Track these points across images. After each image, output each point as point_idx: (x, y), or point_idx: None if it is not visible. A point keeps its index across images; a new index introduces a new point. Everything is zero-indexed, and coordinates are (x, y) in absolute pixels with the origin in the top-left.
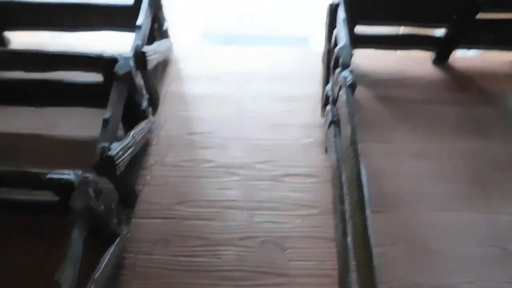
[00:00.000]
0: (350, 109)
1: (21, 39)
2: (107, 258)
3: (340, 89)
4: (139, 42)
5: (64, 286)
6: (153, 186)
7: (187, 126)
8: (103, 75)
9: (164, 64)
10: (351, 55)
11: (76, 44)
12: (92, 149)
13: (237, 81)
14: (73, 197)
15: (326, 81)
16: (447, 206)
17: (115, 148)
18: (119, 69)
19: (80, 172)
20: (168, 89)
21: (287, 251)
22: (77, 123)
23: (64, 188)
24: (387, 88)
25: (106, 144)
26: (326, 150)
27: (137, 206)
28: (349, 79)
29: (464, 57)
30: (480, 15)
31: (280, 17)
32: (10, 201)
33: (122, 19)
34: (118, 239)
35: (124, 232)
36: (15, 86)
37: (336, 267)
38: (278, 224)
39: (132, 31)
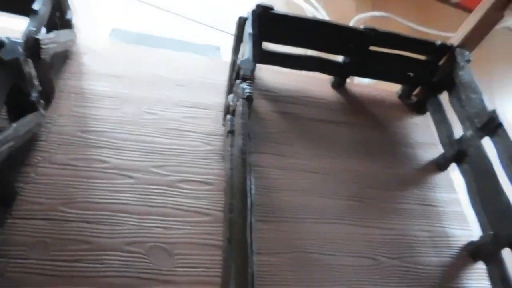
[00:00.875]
0: (243, 120)
1: None
2: None
3: (238, 100)
4: (33, 28)
5: None
6: (37, 185)
7: (82, 124)
8: None
9: (64, 57)
10: (252, 69)
11: None
12: None
13: (141, 82)
14: None
15: (229, 91)
16: (330, 219)
17: None
18: (5, 54)
19: None
20: (66, 83)
21: (175, 257)
22: None
23: None
24: (288, 105)
25: None
26: (223, 159)
27: (16, 205)
28: (247, 91)
29: (359, 83)
30: (375, 49)
31: (195, 23)
32: None
33: (19, 2)
34: None
35: None
36: None
37: (220, 274)
38: (169, 230)
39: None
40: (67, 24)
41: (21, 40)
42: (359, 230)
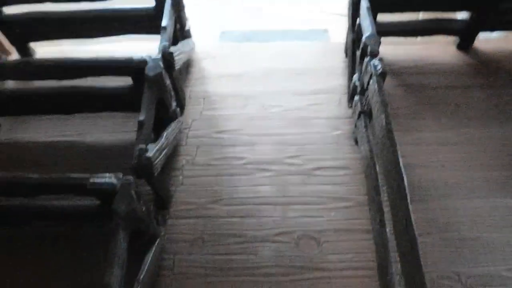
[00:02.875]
0: (382, 98)
1: (44, 49)
2: (149, 260)
3: (370, 78)
4: (166, 43)
5: None
6: (186, 186)
7: (214, 125)
8: (133, 78)
9: (187, 64)
10: (379, 44)
11: (97, 51)
12: (122, 153)
13: (259, 78)
14: (117, 200)
15: (351, 72)
16: (481, 194)
17: (152, 149)
18: (150, 71)
19: (120, 175)
20: (192, 89)
21: (323, 245)
22: (106, 129)
23: (106, 191)
24: (411, 76)
25: (143, 146)
26: (355, 141)
27: (172, 207)
28: (379, 67)
29: (488, 39)
30: None
31: (297, 11)
32: (48, 209)
33: (144, 22)
34: (158, 241)
35: (162, 233)
36: (46, 96)
37: (374, 258)
38: (313, 218)
39: (153, 33)
40: (187, 35)
41: (159, 56)
42: None
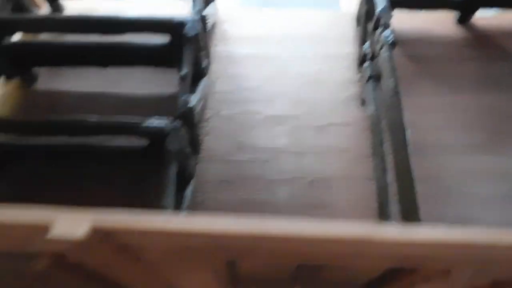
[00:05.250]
0: (392, 64)
1: (72, 5)
2: (188, 193)
3: (381, 47)
4: (201, 6)
5: (168, 210)
6: (212, 136)
7: (237, 83)
8: (171, 37)
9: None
10: (391, 16)
11: (123, 8)
12: (154, 104)
13: (276, 41)
14: (169, 140)
15: (362, 41)
16: (468, 152)
17: (194, 100)
18: (189, 31)
19: (169, 120)
20: (216, 49)
21: (332, 188)
22: (138, 82)
23: (159, 133)
24: (413, 47)
25: (188, 96)
26: (362, 102)
27: (201, 153)
28: (390, 38)
29: (484, 16)
30: None
31: None
32: (103, 148)
33: None
34: (194, 179)
35: (196, 173)
36: (84, 48)
37: (376, 200)
38: (323, 166)
39: None
40: None
41: (197, 18)
42: (499, 161)
